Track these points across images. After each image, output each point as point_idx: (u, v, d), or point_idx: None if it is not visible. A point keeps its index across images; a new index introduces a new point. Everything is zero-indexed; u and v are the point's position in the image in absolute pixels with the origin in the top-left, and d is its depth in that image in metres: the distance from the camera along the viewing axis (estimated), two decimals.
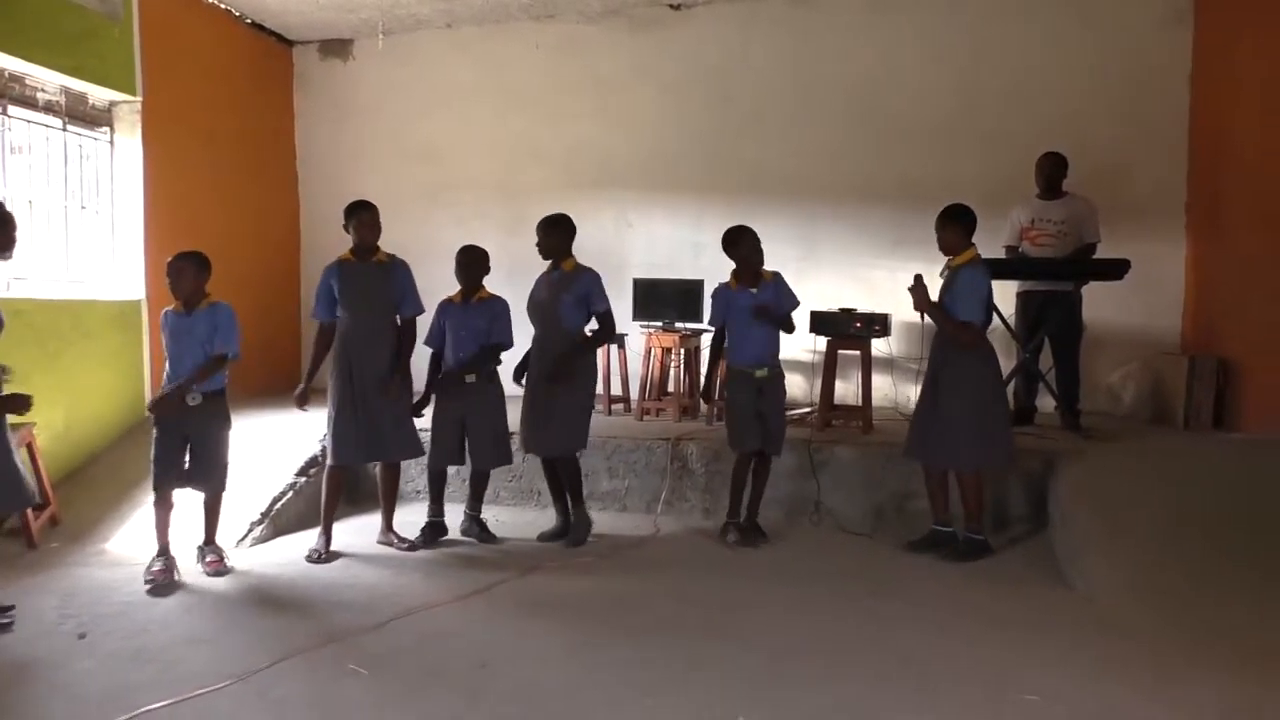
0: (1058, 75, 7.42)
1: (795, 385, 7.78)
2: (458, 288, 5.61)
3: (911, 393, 6.46)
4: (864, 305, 6.99)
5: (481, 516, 5.73)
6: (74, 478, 6.17)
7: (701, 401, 6.98)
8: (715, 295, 5.65)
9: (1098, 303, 6.68)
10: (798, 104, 8.07)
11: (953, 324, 5.06)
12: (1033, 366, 6.51)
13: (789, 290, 5.56)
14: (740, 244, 5.47)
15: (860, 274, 7.89)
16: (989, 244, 6.65)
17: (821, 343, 6.94)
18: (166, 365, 4.97)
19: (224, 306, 4.98)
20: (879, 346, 7.00)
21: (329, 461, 5.37)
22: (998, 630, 4.14)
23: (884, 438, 6.25)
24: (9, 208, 4.25)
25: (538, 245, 5.53)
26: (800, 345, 7.13)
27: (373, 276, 5.32)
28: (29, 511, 5.22)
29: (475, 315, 5.55)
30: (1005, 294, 6.41)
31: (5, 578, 4.73)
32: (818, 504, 6.00)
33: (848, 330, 6.61)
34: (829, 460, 6.09)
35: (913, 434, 5.33)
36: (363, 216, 5.30)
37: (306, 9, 8.23)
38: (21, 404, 4.09)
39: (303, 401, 5.38)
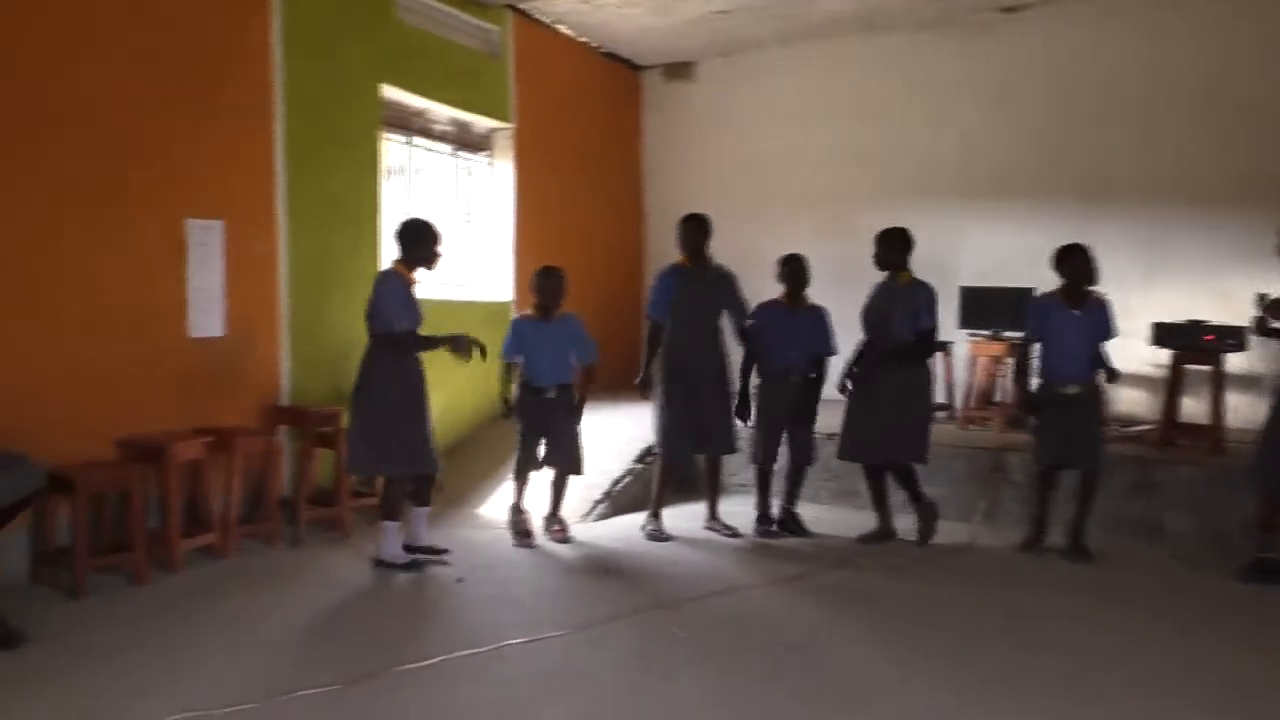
0: None
1: (1136, 401, 7.35)
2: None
3: None
4: (1220, 318, 6.46)
5: (796, 511, 6.03)
6: (452, 453, 7.22)
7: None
8: (1033, 306, 5.58)
9: None
10: (1143, 101, 7.58)
11: None
12: None
13: (1112, 318, 5.41)
14: (1066, 261, 5.38)
15: (1217, 284, 7.26)
16: None
17: (1166, 357, 6.51)
18: (522, 364, 5.68)
19: (575, 318, 5.69)
20: (1236, 362, 6.45)
21: (660, 453, 5.89)
22: None
23: (1235, 461, 5.79)
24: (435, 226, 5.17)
25: (874, 256, 5.71)
26: (1143, 359, 6.75)
27: (703, 283, 5.78)
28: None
29: (800, 322, 5.86)
30: None
31: (404, 531, 5.71)
32: (1153, 525, 5.69)
33: (1196, 343, 6.17)
34: (1165, 481, 5.75)
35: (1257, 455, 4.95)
36: (682, 230, 5.79)
37: (654, 36, 8.96)
38: (464, 346, 4.88)
39: (645, 389, 5.91)
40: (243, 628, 4.14)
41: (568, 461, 5.68)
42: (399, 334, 4.91)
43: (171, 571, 4.80)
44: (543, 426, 5.63)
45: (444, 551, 5.21)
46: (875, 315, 5.67)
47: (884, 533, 5.76)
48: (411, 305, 5.05)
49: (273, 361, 5.98)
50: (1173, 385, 6.32)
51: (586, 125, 9.24)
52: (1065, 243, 5.46)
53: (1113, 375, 5.36)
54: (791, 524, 5.99)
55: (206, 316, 5.54)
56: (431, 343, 4.98)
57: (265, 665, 3.72)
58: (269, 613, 4.34)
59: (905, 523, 5.78)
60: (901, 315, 5.55)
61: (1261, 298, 4.87)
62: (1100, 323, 5.35)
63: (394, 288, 4.96)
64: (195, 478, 5.16)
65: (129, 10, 5.14)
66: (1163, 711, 3.42)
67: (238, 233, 5.71)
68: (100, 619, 4.18)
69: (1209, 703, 3.50)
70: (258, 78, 5.87)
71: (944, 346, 7.14)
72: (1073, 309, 5.35)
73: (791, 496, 6.04)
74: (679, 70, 9.93)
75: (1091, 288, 5.40)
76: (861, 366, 5.71)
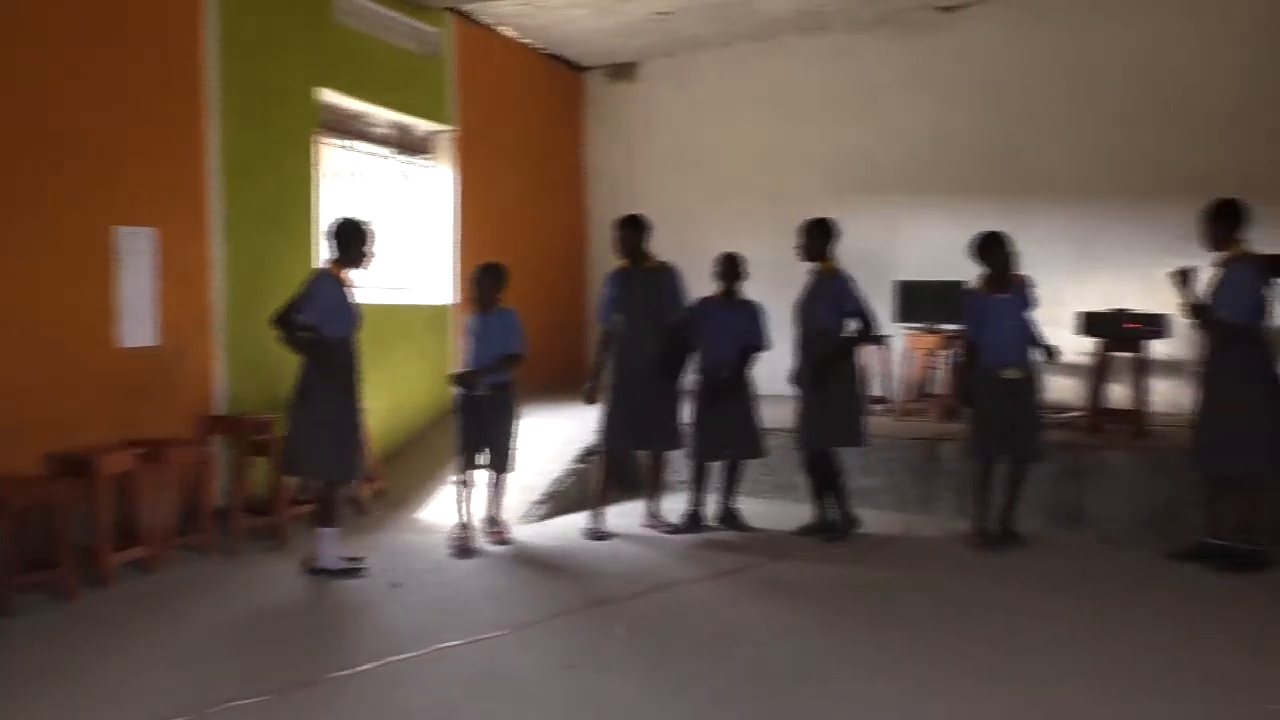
0: None
1: (1066, 388, 7.52)
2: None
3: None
4: (1147, 307, 6.64)
5: (735, 506, 6.09)
6: (395, 456, 7.20)
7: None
8: (965, 300, 5.73)
9: None
10: (1073, 99, 7.78)
11: (1214, 322, 4.85)
12: None
13: (1032, 293, 5.54)
14: (986, 250, 5.51)
15: (1143, 274, 7.43)
16: None
17: (1094, 345, 6.68)
18: (464, 357, 5.74)
19: (511, 311, 5.71)
20: (1159, 349, 6.63)
21: (603, 449, 5.94)
22: (1256, 643, 3.96)
23: (1159, 444, 5.96)
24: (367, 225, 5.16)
25: (798, 247, 5.81)
26: (1073, 347, 6.91)
27: (644, 283, 5.83)
28: (361, 483, 6.21)
29: (735, 317, 5.93)
30: None
31: (344, 536, 5.68)
32: (1081, 510, 5.84)
33: (1120, 331, 6.35)
34: (1095, 466, 5.91)
35: (1195, 440, 5.11)
36: (619, 232, 5.85)
37: (597, 38, 8.98)
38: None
39: (590, 395, 5.95)
40: (175, 640, 4.10)
41: (499, 461, 5.70)
42: (310, 330, 4.87)
43: (103, 586, 4.73)
44: (478, 424, 5.63)
45: (360, 559, 5.15)
46: (798, 308, 5.79)
47: (821, 524, 5.85)
48: (345, 307, 5.03)
49: (207, 370, 5.92)
50: (1099, 372, 6.49)
51: (529, 127, 9.24)
52: (984, 232, 5.58)
53: (1051, 353, 5.49)
54: (731, 519, 6.05)
55: (138, 325, 5.47)
56: (304, 349, 4.96)
57: (197, 677, 3.69)
58: (202, 624, 4.31)
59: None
60: (824, 305, 5.65)
61: (1186, 273, 5.00)
62: (1024, 302, 5.48)
63: (323, 284, 4.94)
64: (127, 490, 5.08)
65: (56, 13, 5.06)
66: (1090, 689, 3.53)
67: (170, 240, 5.65)
68: (27, 637, 4.12)
69: (1135, 680, 3.61)
70: (190, 83, 5.80)
71: (881, 339, 7.25)
72: (999, 294, 5.49)
73: (729, 491, 6.10)
74: (622, 71, 9.97)
75: (1013, 273, 5.53)
76: (809, 361, 5.77)
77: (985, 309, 5.52)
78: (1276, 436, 4.82)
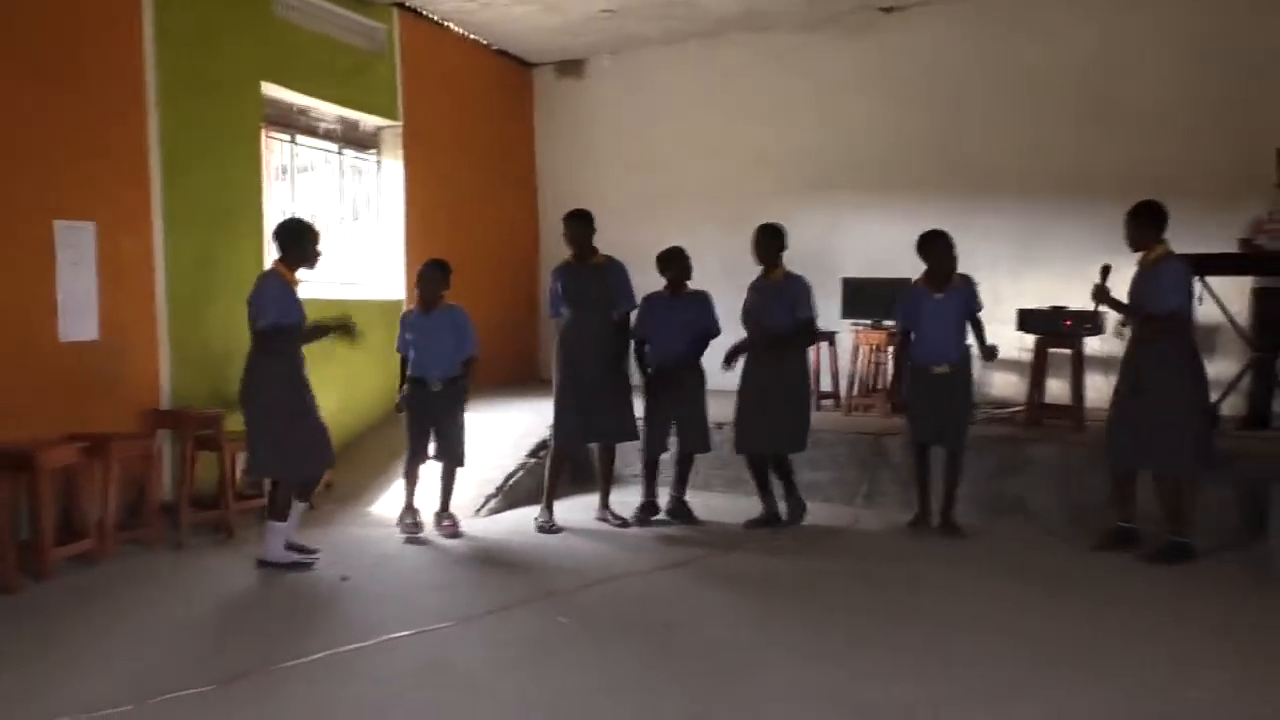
0: None
1: (1009, 384, 7.72)
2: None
3: None
4: (1085, 304, 6.82)
5: (685, 499, 6.16)
6: (344, 452, 7.14)
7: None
8: (902, 295, 5.85)
9: None
10: (1014, 98, 7.96)
11: (1147, 315, 5.02)
12: (1271, 368, 6.17)
13: (974, 295, 5.70)
14: (926, 248, 5.66)
15: (1081, 271, 7.58)
16: (1220, 238, 6.40)
17: (1032, 341, 6.86)
18: (412, 355, 5.74)
19: (460, 309, 5.72)
20: (1094, 346, 6.82)
21: (553, 443, 5.97)
22: (1181, 628, 4.11)
23: (1095, 438, 6.13)
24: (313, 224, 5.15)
25: (757, 250, 5.87)
26: (1013, 344, 7.09)
27: (590, 277, 5.88)
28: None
29: (683, 309, 5.99)
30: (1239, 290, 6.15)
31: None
32: (1021, 501, 6.00)
33: (1057, 328, 6.53)
34: (1032, 459, 6.07)
35: (1122, 435, 5.23)
36: (567, 227, 5.90)
37: (544, 34, 9.00)
38: (354, 330, 5.09)
39: None
40: (117, 632, 4.06)
41: (451, 454, 5.71)
42: (284, 327, 4.85)
43: (43, 580, 4.67)
44: (429, 419, 5.64)
45: (315, 551, 5.14)
46: (754, 312, 5.85)
47: (768, 517, 5.94)
48: (294, 305, 5.01)
49: (151, 364, 5.85)
50: (1037, 368, 6.66)
51: (478, 122, 9.23)
52: (927, 230, 5.71)
53: (988, 352, 5.63)
54: (680, 512, 6.11)
55: (79, 320, 5.40)
56: (318, 332, 5.01)
57: (139, 668, 3.66)
58: (146, 616, 4.27)
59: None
60: (779, 310, 5.75)
61: (1105, 269, 5.21)
62: (964, 301, 5.63)
63: (273, 285, 4.92)
64: (69, 484, 5.03)
65: None
66: (1020, 670, 3.64)
67: (110, 234, 5.58)
68: None
69: (1060, 661, 3.74)
70: (128, 75, 5.73)
71: (828, 336, 7.37)
72: (935, 293, 5.62)
73: (680, 484, 6.17)
74: (570, 68, 10.00)
75: (954, 272, 5.66)
76: (746, 358, 5.86)
77: (921, 305, 5.67)
78: (1203, 429, 5.01)
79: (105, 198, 5.57)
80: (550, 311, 6.07)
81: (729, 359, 5.85)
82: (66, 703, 3.31)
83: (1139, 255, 5.18)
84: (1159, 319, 4.99)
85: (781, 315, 5.77)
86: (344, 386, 7.20)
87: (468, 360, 5.75)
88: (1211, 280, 6.19)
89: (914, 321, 5.71)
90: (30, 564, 4.70)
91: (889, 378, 7.41)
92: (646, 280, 6.11)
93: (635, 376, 6.06)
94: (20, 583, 4.57)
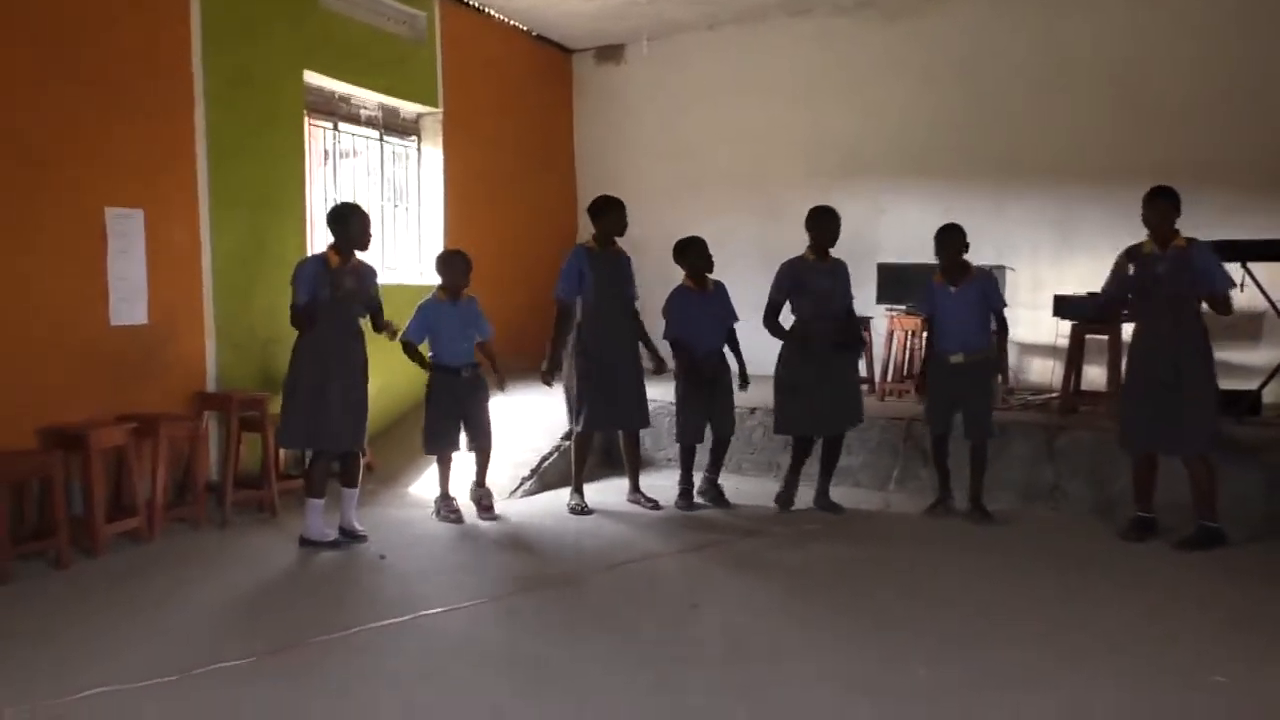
0: None
1: (1046, 370, 7.66)
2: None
3: None
4: None
5: (719, 482, 6.23)
6: (384, 435, 7.32)
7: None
8: (927, 286, 5.90)
9: None
10: (1053, 86, 7.88)
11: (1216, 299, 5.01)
12: None
13: (994, 289, 5.75)
14: (938, 243, 5.73)
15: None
16: (1262, 226, 6.33)
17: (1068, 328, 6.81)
18: (429, 344, 5.80)
19: (475, 300, 5.89)
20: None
21: (576, 428, 6.03)
22: (1204, 614, 4.10)
23: None
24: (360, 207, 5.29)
25: (823, 231, 5.85)
26: (1052, 330, 7.05)
27: (612, 264, 5.94)
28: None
29: (712, 303, 6.06)
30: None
31: (333, 510, 5.78)
32: (1054, 488, 5.99)
33: (1092, 314, 6.47)
34: (1069, 446, 6.04)
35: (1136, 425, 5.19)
36: (611, 214, 5.93)
37: (583, 20, 9.06)
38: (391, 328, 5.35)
39: (549, 376, 6.00)
40: (163, 606, 4.24)
41: (481, 445, 5.85)
42: (297, 306, 5.00)
43: (95, 556, 4.88)
44: (458, 406, 5.76)
45: (364, 538, 5.26)
46: (833, 293, 5.87)
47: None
48: (321, 286, 5.05)
49: (198, 348, 6.04)
50: (1073, 354, 6.62)
51: (517, 109, 9.32)
52: (942, 224, 5.77)
53: (1001, 345, 5.75)
54: (712, 493, 6.18)
55: (129, 305, 5.59)
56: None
57: (183, 641, 3.82)
58: (190, 591, 4.45)
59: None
60: (842, 288, 5.90)
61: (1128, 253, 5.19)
62: (982, 295, 5.66)
63: (304, 267, 5.09)
64: (119, 464, 5.23)
65: (47, 3, 5.15)
66: (1045, 657, 3.67)
67: (159, 221, 5.75)
68: (21, 602, 4.26)
69: (1083, 646, 3.75)
70: (177, 66, 5.90)
71: (863, 322, 7.37)
72: (949, 286, 5.69)
73: (716, 467, 6.24)
74: (609, 53, 10.04)
75: (966, 265, 5.71)
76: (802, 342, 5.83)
77: (938, 297, 5.75)
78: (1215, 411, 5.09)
79: (153, 186, 5.74)
80: (562, 292, 5.88)
81: (804, 341, 5.80)
82: (113, 672, 3.47)
83: (1148, 238, 5.13)
84: (1223, 301, 4.99)
85: (844, 295, 5.94)
86: (383, 372, 7.33)
87: (486, 345, 5.88)
88: (1255, 267, 6.10)
89: (933, 312, 5.80)
90: (82, 540, 4.90)
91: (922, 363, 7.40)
92: (678, 271, 6.16)
93: (647, 361, 6.11)
94: (73, 558, 4.78)
